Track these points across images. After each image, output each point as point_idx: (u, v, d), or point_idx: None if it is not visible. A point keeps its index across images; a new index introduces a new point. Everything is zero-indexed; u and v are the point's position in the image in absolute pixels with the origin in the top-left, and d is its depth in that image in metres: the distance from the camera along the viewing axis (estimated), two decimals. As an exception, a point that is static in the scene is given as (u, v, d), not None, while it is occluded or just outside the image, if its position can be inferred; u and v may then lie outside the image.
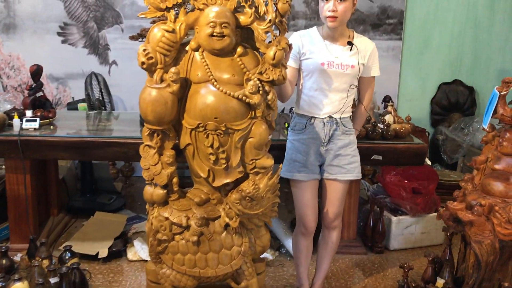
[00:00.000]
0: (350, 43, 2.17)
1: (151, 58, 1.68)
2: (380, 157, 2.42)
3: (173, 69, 1.68)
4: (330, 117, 2.21)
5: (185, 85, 1.78)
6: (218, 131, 1.73)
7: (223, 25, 1.66)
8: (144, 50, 1.67)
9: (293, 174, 2.25)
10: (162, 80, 1.71)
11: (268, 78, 1.73)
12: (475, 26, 4.32)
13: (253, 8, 1.70)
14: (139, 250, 2.78)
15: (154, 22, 2.30)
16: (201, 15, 1.70)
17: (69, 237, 3.01)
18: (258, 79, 1.73)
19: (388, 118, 2.58)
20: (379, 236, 2.93)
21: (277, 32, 1.77)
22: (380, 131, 2.50)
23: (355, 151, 2.27)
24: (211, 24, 1.66)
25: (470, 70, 4.42)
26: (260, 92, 1.71)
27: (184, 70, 1.76)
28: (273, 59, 1.71)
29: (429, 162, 2.78)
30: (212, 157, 1.77)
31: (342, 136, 2.22)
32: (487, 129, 2.19)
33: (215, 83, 1.70)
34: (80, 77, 4.11)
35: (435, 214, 3.01)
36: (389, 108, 2.64)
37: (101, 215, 3.15)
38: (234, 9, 1.72)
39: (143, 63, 1.68)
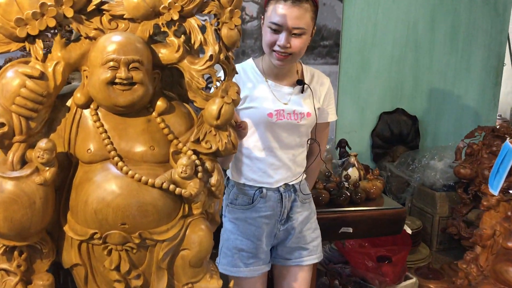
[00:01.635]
0: (300, 82, 1.62)
1: (2, 124, 0.97)
2: (350, 230, 1.88)
3: (43, 143, 0.99)
4: (286, 185, 1.64)
5: (67, 166, 1.08)
6: (128, 245, 1.05)
7: (131, 66, 1.00)
8: (-13, 111, 0.96)
9: (238, 269, 1.62)
10: (24, 163, 1.00)
11: (210, 148, 1.09)
12: (415, 48, 4.01)
13: (182, 36, 1.06)
14: None
15: (10, 60, 1.54)
16: (92, 48, 1.02)
17: None
18: (194, 152, 1.08)
19: (353, 173, 2.05)
20: (342, 320, 2.37)
21: (220, 75, 1.15)
22: (348, 194, 1.95)
23: (315, 222, 1.75)
24: (111, 64, 0.99)
25: (411, 97, 4.09)
26: (199, 174, 1.07)
27: (64, 141, 1.06)
28: (218, 118, 1.07)
29: (409, 231, 2.30)
30: (120, 286, 1.08)
31: (301, 207, 1.68)
32: (496, 194, 1.72)
33: (120, 163, 1.03)
34: None
35: (405, 283, 2.53)
36: (352, 159, 2.11)
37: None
38: (150, 37, 1.07)
39: (-15, 135, 0.97)
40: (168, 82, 1.16)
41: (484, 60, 4.17)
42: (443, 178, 3.55)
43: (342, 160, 2.22)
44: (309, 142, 1.68)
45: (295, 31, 1.49)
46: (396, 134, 4.06)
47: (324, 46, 3.78)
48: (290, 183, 1.64)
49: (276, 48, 1.51)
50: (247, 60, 1.67)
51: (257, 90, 1.59)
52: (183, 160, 1.04)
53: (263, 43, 1.55)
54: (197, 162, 1.07)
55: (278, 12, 1.47)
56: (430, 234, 3.63)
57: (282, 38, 1.49)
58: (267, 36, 1.52)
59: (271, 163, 1.61)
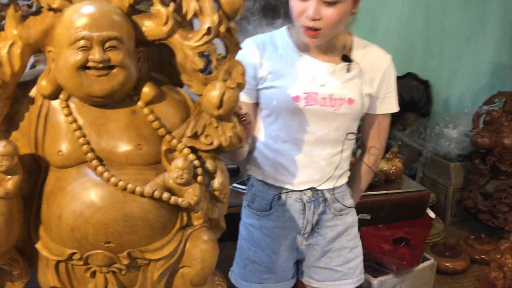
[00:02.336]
0: (346, 59, 1.30)
1: None
2: (368, 216, 1.70)
3: (1, 146, 0.79)
4: (313, 190, 1.35)
5: (36, 170, 0.89)
6: (115, 266, 0.87)
7: (107, 45, 0.80)
8: None
9: (249, 284, 1.41)
10: (-22, 171, 0.81)
11: (211, 144, 0.90)
12: (426, 7, 3.76)
13: (171, 5, 0.85)
14: None
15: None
16: (57, 22, 0.81)
17: None
18: (192, 149, 0.89)
19: (369, 151, 1.86)
20: (357, 307, 2.23)
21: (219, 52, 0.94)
22: (366, 177, 1.75)
23: (356, 239, 1.44)
24: (81, 43, 0.78)
25: (423, 60, 3.87)
26: (199, 178, 0.88)
27: (30, 140, 0.87)
28: (219, 106, 0.87)
29: (432, 215, 2.13)
30: (107, 312, 0.91)
31: (334, 220, 1.38)
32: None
33: (99, 167, 0.84)
34: None
35: (422, 265, 2.38)
36: (368, 136, 1.91)
37: None
38: (131, 7, 0.85)
39: None
40: (156, 62, 0.95)
41: (501, 17, 3.91)
42: (457, 148, 3.37)
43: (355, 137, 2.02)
44: (348, 137, 1.34)
45: None
46: (407, 101, 3.85)
47: (329, 6, 3.52)
48: (319, 188, 1.34)
49: (304, 22, 1.20)
50: (280, 28, 1.36)
51: (286, 66, 1.29)
52: (178, 162, 0.84)
53: (292, 17, 1.25)
54: (196, 162, 0.88)
55: None
56: (444, 207, 3.48)
57: (310, 6, 1.17)
58: (293, 3, 1.23)
59: (295, 159, 1.32)
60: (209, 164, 0.91)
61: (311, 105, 1.28)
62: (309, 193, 1.35)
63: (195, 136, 0.90)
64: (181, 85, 0.98)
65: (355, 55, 1.31)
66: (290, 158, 1.33)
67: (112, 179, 0.83)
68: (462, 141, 3.33)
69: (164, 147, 0.90)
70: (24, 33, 0.80)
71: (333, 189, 1.37)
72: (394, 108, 1.40)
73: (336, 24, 1.20)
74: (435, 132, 3.55)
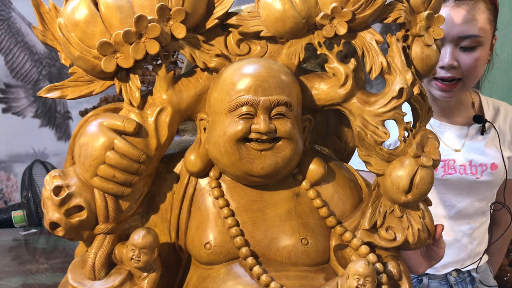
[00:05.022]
0: (479, 119, 1.19)
1: (79, 208, 0.64)
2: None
3: (139, 236, 0.65)
4: (458, 272, 1.21)
5: (174, 263, 0.73)
6: None
7: (274, 112, 0.64)
8: (58, 188, 0.64)
9: None
10: (111, 264, 0.67)
11: (394, 240, 0.70)
12: None
13: (352, 62, 0.68)
14: None
15: (106, 99, 1.27)
16: (213, 85, 0.68)
17: None
18: (371, 248, 0.69)
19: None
20: None
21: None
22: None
23: None
24: (243, 109, 0.63)
25: None
26: (383, 288, 0.67)
27: (171, 226, 0.72)
28: (408, 191, 0.68)
29: None
30: None
31: None
32: None
33: (256, 267, 0.66)
34: (30, 159, 3.09)
35: None
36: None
37: None
38: (298, 67, 0.70)
39: (53, 225, 0.64)
40: (320, 132, 0.78)
41: None
42: None
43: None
44: (492, 208, 1.22)
45: (464, 43, 1.07)
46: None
47: None
48: (465, 269, 1.20)
49: (439, 72, 1.08)
50: None
51: None
52: (358, 266, 0.64)
53: None
54: (379, 266, 0.67)
55: None
56: None
57: (445, 54, 1.06)
58: None
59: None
60: (392, 268, 0.70)
61: (449, 174, 1.17)
62: (454, 273, 1.21)
63: (373, 228, 0.70)
64: (346, 158, 0.81)
65: (486, 114, 1.21)
66: None
67: (272, 285, 0.65)
68: None
69: (334, 242, 0.71)
70: (175, 98, 0.67)
71: (479, 268, 1.23)
72: None
73: (474, 71, 1.09)
74: None
